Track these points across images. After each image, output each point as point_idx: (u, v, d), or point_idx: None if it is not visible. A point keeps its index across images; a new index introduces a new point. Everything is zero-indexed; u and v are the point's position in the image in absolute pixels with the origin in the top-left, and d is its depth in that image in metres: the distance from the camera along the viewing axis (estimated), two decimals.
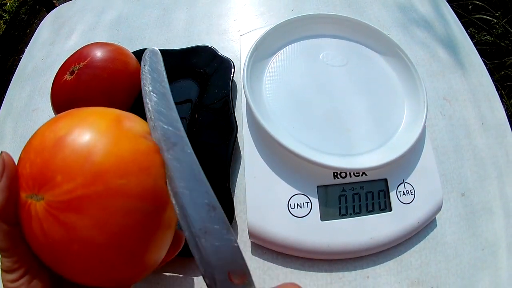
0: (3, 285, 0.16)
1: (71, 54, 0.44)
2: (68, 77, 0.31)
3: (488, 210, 0.32)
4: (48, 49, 0.48)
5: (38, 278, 0.16)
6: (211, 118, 0.30)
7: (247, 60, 0.29)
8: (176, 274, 0.27)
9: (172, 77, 0.34)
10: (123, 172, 0.15)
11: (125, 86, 0.32)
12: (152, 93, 0.18)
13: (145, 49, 0.37)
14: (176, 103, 0.33)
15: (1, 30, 1.46)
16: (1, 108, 0.43)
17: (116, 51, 0.33)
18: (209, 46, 0.34)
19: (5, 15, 1.47)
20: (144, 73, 0.19)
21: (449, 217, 0.30)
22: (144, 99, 0.18)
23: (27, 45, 0.51)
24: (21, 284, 0.15)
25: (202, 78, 0.33)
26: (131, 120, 0.17)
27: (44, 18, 0.53)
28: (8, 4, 1.50)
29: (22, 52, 1.39)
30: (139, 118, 0.18)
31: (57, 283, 0.17)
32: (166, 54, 0.36)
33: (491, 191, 0.33)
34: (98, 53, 0.32)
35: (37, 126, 0.43)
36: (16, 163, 0.16)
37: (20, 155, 0.16)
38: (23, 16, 1.51)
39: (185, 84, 0.33)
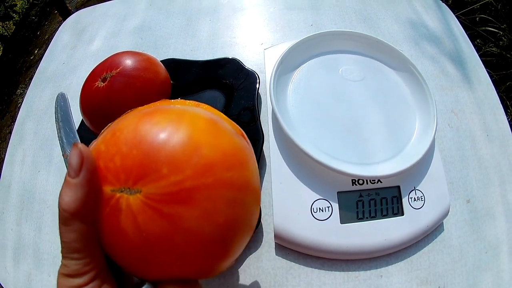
0: None
1: (93, 59, 0.47)
2: (100, 83, 0.32)
3: (491, 215, 0.34)
4: (69, 53, 0.49)
5: (108, 283, 0.15)
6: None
7: (273, 74, 0.32)
8: None
9: (200, 87, 0.36)
10: (229, 165, 0.15)
11: (155, 95, 0.33)
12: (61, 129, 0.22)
13: (172, 58, 0.39)
14: None
15: (10, 31, 1.48)
16: (20, 109, 0.44)
17: (147, 61, 0.35)
18: (235, 58, 0.37)
19: (15, 16, 1.48)
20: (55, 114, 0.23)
21: (455, 222, 0.32)
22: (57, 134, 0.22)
23: (38, 47, 0.52)
24: None
25: (228, 89, 0.35)
26: (221, 121, 0.18)
27: (63, 23, 0.54)
28: (18, 5, 1.51)
29: (32, 53, 1.42)
30: (227, 119, 0.20)
31: None
32: (194, 65, 0.38)
33: (494, 198, 0.35)
34: (130, 62, 0.33)
35: None
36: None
37: (98, 148, 0.16)
38: (33, 17, 1.52)
39: (212, 94, 0.36)
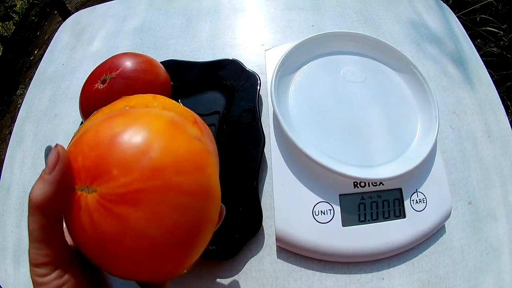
0: (32, 280, 0.16)
1: (93, 60, 0.46)
2: (99, 85, 0.32)
3: (492, 217, 0.34)
4: (69, 54, 0.48)
5: (70, 273, 0.16)
6: (239, 129, 0.32)
7: (274, 76, 0.31)
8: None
9: (200, 89, 0.36)
10: (180, 169, 0.15)
11: None
12: None
13: (172, 60, 0.39)
14: (205, 114, 0.35)
15: (10, 31, 1.47)
16: (20, 110, 0.44)
17: (147, 62, 0.35)
18: (236, 59, 0.37)
19: (15, 16, 1.48)
20: None
21: (457, 224, 0.32)
22: None
23: (38, 48, 0.52)
24: (52, 279, 0.15)
25: (229, 90, 0.35)
26: (184, 123, 0.18)
27: (63, 23, 0.54)
28: (18, 5, 1.51)
29: (32, 54, 1.41)
30: (185, 109, 0.20)
31: (91, 280, 0.17)
32: (194, 66, 0.38)
33: (495, 199, 0.35)
34: (130, 64, 0.33)
35: (59, 131, 0.45)
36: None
37: (69, 148, 0.17)
38: (33, 18, 1.51)
39: (212, 95, 0.36)
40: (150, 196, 0.14)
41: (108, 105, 0.20)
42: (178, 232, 0.15)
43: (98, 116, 0.18)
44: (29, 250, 0.16)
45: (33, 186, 0.15)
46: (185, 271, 0.17)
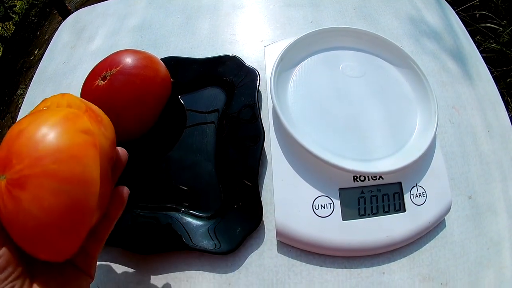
0: None
1: (93, 58, 0.47)
2: (100, 82, 0.32)
3: (493, 211, 0.34)
4: (69, 52, 0.49)
5: (6, 248, 0.18)
6: (239, 125, 0.32)
7: (273, 71, 0.32)
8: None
9: (200, 85, 0.37)
10: (56, 158, 0.18)
11: (156, 93, 0.34)
12: None
13: (172, 56, 0.39)
14: (205, 109, 0.35)
15: (10, 31, 1.47)
16: (21, 109, 0.44)
17: (147, 59, 0.35)
18: (235, 56, 0.37)
19: (15, 17, 1.48)
20: None
21: (457, 218, 0.32)
22: None
23: (38, 47, 0.52)
24: None
25: (228, 86, 0.35)
26: (77, 118, 0.21)
27: (63, 22, 0.54)
28: (17, 6, 1.51)
29: (32, 54, 1.42)
30: (82, 111, 0.22)
31: (25, 255, 0.19)
32: (194, 62, 0.38)
33: (495, 194, 0.35)
34: (130, 60, 0.33)
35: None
36: None
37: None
38: (33, 18, 1.52)
39: (212, 91, 0.36)
40: (33, 180, 0.17)
41: (36, 106, 0.23)
42: (55, 214, 0.18)
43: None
44: None
45: None
46: (72, 252, 0.19)
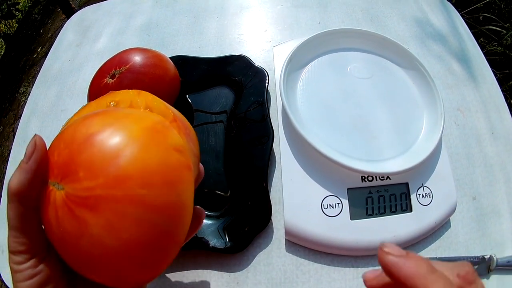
0: (10, 267, 0.16)
1: (100, 56, 0.47)
2: (109, 80, 0.32)
3: (496, 212, 0.34)
4: (75, 50, 0.49)
5: (45, 264, 0.16)
6: (248, 124, 0.33)
7: (282, 71, 0.32)
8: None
9: (209, 84, 0.37)
10: (145, 182, 0.14)
11: (164, 91, 0.34)
12: None
13: (180, 55, 0.39)
14: (213, 109, 0.35)
15: (13, 29, 1.47)
16: (25, 108, 0.44)
17: (156, 58, 0.35)
18: (244, 55, 0.37)
19: (18, 14, 1.48)
20: None
21: (462, 219, 0.33)
22: None
23: (41, 45, 0.52)
24: (26, 267, 0.15)
25: (237, 86, 0.35)
26: (167, 130, 0.17)
27: (68, 20, 0.54)
28: (20, 3, 1.51)
29: (35, 51, 1.41)
30: (169, 121, 0.19)
31: (68, 273, 0.17)
32: (203, 62, 0.38)
33: (499, 195, 0.35)
34: (139, 59, 0.33)
35: None
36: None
37: (52, 142, 0.16)
38: (36, 16, 1.51)
39: (221, 91, 0.36)
40: (110, 205, 0.14)
41: (96, 99, 0.19)
42: (134, 247, 0.15)
43: (84, 112, 0.18)
44: (8, 237, 0.16)
45: (12, 174, 0.16)
46: (146, 284, 0.17)
